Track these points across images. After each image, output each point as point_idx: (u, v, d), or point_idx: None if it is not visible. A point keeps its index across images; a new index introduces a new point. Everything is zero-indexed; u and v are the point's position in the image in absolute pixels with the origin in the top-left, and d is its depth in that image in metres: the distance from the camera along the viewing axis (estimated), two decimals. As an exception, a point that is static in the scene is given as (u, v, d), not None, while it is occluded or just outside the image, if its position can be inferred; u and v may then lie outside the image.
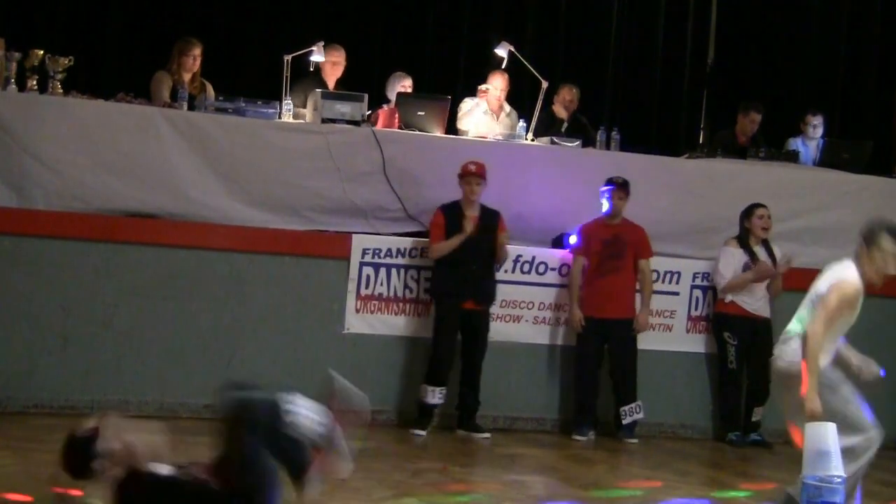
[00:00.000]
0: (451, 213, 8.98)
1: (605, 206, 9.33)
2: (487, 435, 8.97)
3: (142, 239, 8.74)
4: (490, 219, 9.05)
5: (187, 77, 9.53)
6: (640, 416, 9.36)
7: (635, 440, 9.31)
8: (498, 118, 10.41)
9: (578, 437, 9.20)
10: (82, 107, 8.82)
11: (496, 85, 10.39)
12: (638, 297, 9.47)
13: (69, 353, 8.61)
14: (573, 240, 9.41)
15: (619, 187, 9.28)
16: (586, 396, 9.33)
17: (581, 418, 9.30)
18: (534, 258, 9.43)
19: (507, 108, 10.52)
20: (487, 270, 9.08)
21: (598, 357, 9.37)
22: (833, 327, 6.17)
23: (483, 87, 10.47)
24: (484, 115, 10.38)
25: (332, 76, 10.21)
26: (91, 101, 8.91)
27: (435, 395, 8.93)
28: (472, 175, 8.94)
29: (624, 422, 9.31)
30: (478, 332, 9.02)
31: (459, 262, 8.89)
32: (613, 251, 9.29)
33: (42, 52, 8.82)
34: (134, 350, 8.71)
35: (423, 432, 8.91)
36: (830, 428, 5.91)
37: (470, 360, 9.06)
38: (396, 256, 9.17)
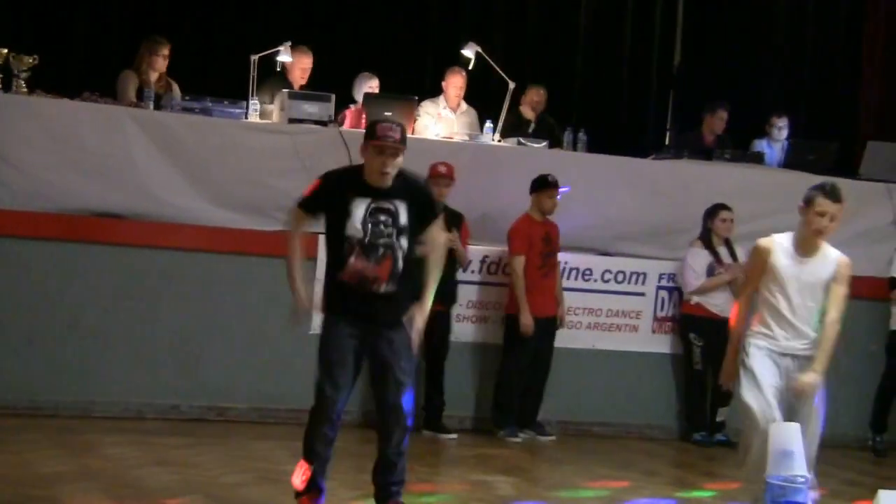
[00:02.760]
0: None
1: (542, 204, 9.25)
2: (454, 435, 8.98)
3: (108, 239, 8.70)
4: (453, 221, 9.04)
5: (154, 76, 9.50)
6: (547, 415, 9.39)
7: (552, 437, 9.26)
8: (455, 114, 10.42)
9: (515, 439, 9.11)
10: (47, 106, 8.77)
11: (454, 83, 10.40)
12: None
13: (34, 354, 8.56)
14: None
15: (555, 186, 9.26)
16: (514, 396, 9.25)
17: (509, 419, 9.22)
18: (500, 259, 9.44)
19: (464, 106, 10.53)
20: (449, 272, 9.07)
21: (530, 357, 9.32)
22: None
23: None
24: (443, 111, 10.39)
25: (299, 80, 10.18)
26: (56, 100, 8.87)
27: None
28: (442, 177, 8.93)
29: (538, 418, 9.31)
30: (441, 333, 9.02)
31: None
32: (550, 249, 9.28)
33: (6, 50, 8.75)
34: (100, 351, 8.67)
35: None
36: (794, 428, 5.94)
37: (433, 360, 9.06)
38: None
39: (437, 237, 6.00)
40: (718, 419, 9.67)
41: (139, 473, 6.86)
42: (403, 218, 5.82)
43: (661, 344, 9.85)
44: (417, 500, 6.85)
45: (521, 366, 9.23)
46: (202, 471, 7.05)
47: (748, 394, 6.10)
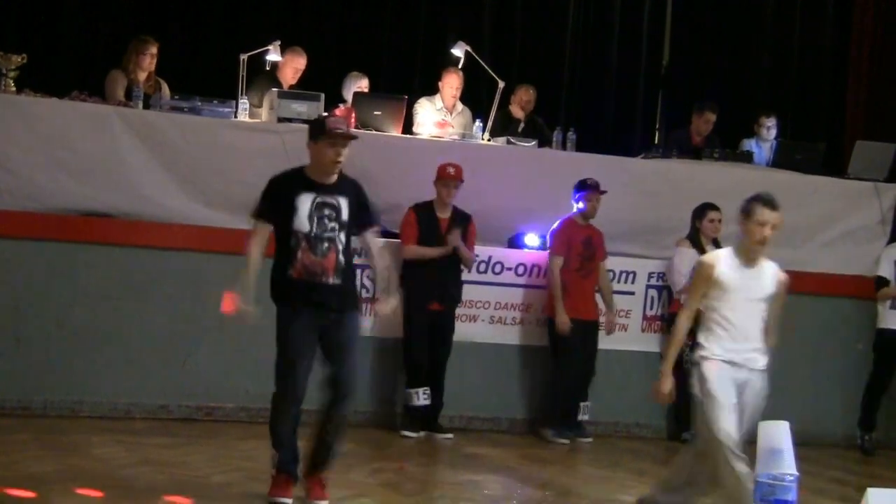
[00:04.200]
0: (424, 214, 9.00)
1: (580, 206, 9.30)
2: (450, 435, 8.98)
3: (96, 238, 8.69)
4: (461, 221, 9.06)
5: (142, 76, 9.48)
6: (587, 417, 9.43)
7: (590, 439, 9.37)
8: (451, 115, 10.42)
9: (562, 441, 9.20)
10: (36, 105, 8.75)
11: (450, 83, 10.41)
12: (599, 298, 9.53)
13: (22, 354, 8.54)
14: (530, 239, 9.41)
15: (595, 189, 9.30)
16: (569, 400, 9.33)
17: (567, 421, 9.29)
18: (490, 258, 9.44)
19: (460, 106, 10.53)
20: (454, 272, 9.09)
21: (580, 359, 9.37)
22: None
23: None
24: (438, 112, 10.39)
25: (290, 80, 10.15)
26: (45, 99, 8.85)
27: (420, 397, 8.93)
28: (450, 178, 8.95)
29: (579, 418, 9.37)
30: (443, 334, 9.03)
31: (428, 264, 8.90)
32: (590, 253, 9.34)
33: (-6, 49, 8.76)
34: (88, 350, 8.65)
35: (414, 434, 8.92)
36: (783, 426, 5.95)
37: (435, 361, 9.06)
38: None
39: (376, 243, 6.46)
40: (707, 418, 9.67)
41: (127, 473, 6.85)
42: (345, 214, 6.23)
43: (650, 342, 9.85)
44: (408, 499, 6.86)
45: (570, 367, 9.27)
46: (190, 470, 7.04)
47: (716, 423, 6.00)
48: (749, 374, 6.10)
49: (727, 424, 5.90)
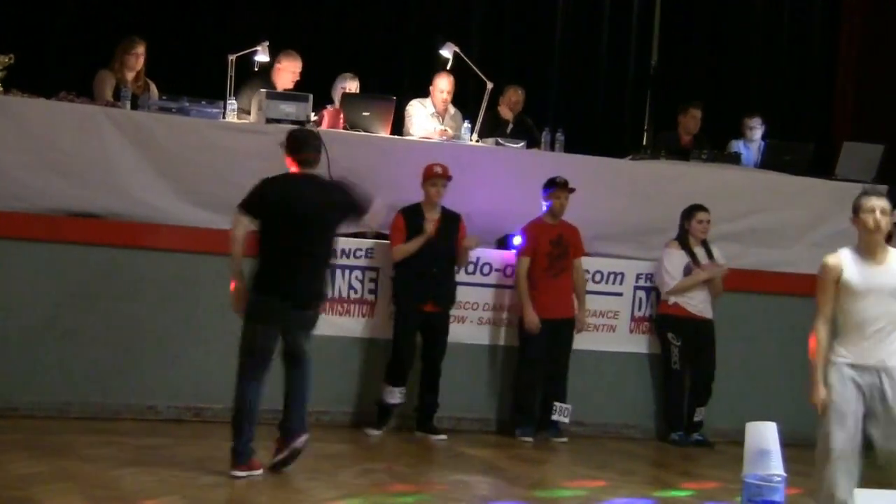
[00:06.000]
0: (412, 216, 8.99)
1: (546, 204, 9.35)
2: (444, 436, 8.98)
3: (85, 239, 8.67)
4: (451, 221, 9.06)
5: (130, 76, 9.47)
6: (567, 419, 9.38)
7: (564, 439, 9.33)
8: (443, 120, 10.41)
9: (527, 439, 9.22)
10: (24, 105, 8.73)
11: (441, 87, 10.40)
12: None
13: (10, 354, 8.53)
14: (517, 240, 9.44)
15: (561, 187, 9.31)
16: (530, 397, 9.37)
17: (526, 419, 9.33)
18: (478, 259, 9.44)
19: (452, 109, 10.52)
20: (448, 273, 9.09)
21: (545, 358, 9.40)
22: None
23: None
24: (430, 117, 10.38)
25: (289, 85, 10.10)
26: (32, 99, 8.83)
27: (395, 395, 8.93)
28: (438, 177, 8.95)
29: (553, 417, 9.33)
30: (438, 334, 9.03)
31: (420, 264, 8.90)
32: (560, 251, 9.34)
33: (-18, 49, 8.73)
34: (77, 351, 8.64)
35: (377, 432, 8.92)
36: (771, 427, 5.96)
37: (430, 362, 9.06)
38: (341, 257, 9.16)
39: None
40: (696, 419, 9.70)
41: (116, 474, 6.84)
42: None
43: (639, 344, 9.87)
44: (396, 499, 6.86)
45: (533, 366, 9.30)
46: (179, 471, 7.03)
47: (831, 426, 5.99)
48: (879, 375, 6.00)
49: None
